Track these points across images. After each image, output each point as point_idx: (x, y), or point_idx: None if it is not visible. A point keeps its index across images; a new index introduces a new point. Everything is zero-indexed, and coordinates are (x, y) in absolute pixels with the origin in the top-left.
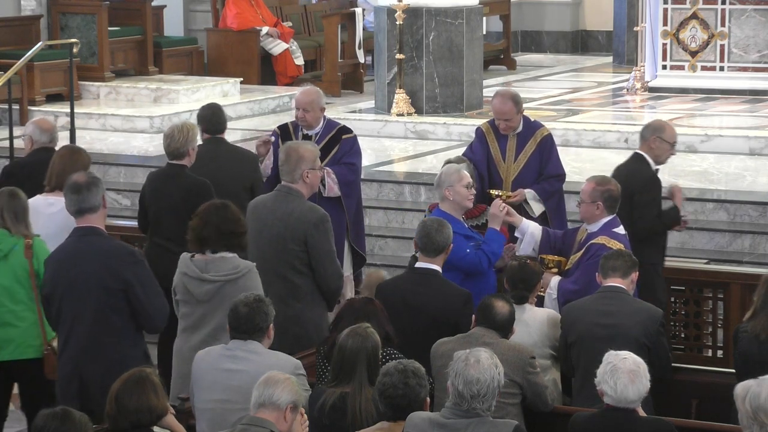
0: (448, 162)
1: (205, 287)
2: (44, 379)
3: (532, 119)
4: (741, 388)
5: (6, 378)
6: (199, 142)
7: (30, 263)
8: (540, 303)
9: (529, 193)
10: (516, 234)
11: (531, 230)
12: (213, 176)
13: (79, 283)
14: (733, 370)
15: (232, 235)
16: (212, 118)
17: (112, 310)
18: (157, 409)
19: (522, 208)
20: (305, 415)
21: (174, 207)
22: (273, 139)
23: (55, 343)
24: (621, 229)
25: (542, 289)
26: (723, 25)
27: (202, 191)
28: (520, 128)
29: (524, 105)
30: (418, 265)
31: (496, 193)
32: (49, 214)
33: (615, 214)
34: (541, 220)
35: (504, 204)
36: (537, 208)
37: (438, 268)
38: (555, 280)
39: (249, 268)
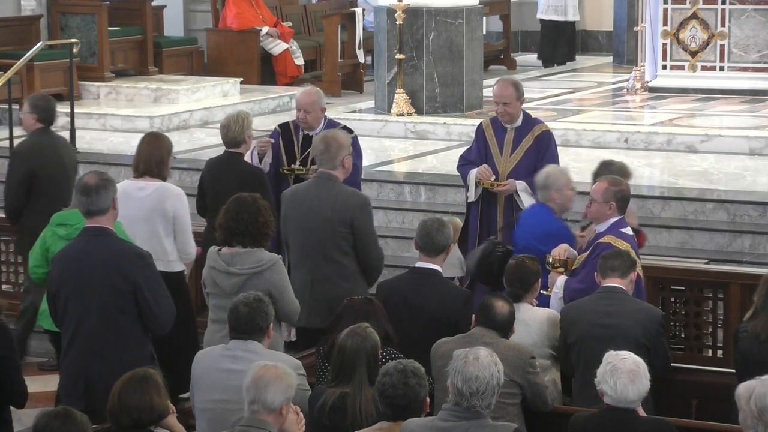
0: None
1: (233, 280)
2: None
3: (533, 117)
4: (744, 388)
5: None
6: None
7: None
8: (546, 302)
9: (520, 184)
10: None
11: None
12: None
13: (87, 282)
14: (733, 370)
15: (257, 228)
16: (50, 109)
17: (120, 311)
18: (158, 409)
19: (512, 200)
20: (300, 414)
21: (231, 192)
22: (273, 141)
23: None
24: (628, 230)
25: (549, 289)
26: (723, 25)
27: (258, 178)
28: (519, 122)
29: (524, 105)
30: (418, 264)
31: (488, 182)
32: (139, 198)
33: (624, 215)
34: None
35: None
36: (527, 201)
37: (438, 267)
38: (561, 279)
39: (274, 260)
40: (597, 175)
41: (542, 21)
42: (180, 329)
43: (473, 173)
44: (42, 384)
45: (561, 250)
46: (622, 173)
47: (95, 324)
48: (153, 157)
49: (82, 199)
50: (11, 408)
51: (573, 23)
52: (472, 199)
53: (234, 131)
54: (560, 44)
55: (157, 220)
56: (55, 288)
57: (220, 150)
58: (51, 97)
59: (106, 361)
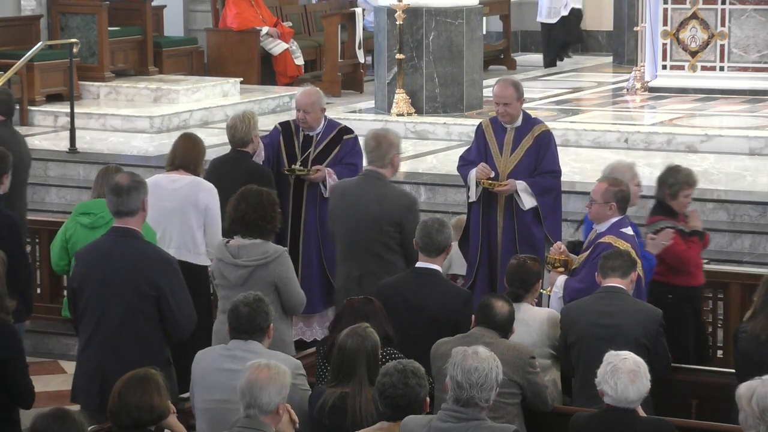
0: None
1: (239, 272)
2: None
3: (533, 117)
4: (745, 388)
5: None
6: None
7: None
8: (546, 302)
9: (520, 184)
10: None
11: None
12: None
13: (111, 283)
14: (733, 370)
15: (264, 221)
16: (10, 102)
17: (142, 315)
18: (158, 409)
19: (513, 200)
20: (292, 412)
21: (236, 190)
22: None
23: None
24: (629, 230)
25: (549, 289)
26: (723, 25)
27: (264, 176)
28: (519, 122)
29: (524, 105)
30: (418, 265)
31: (488, 182)
32: (172, 189)
33: (625, 215)
34: (533, 215)
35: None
36: (528, 201)
37: (438, 268)
38: (561, 279)
39: (279, 252)
40: (662, 180)
41: (543, 24)
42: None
43: (473, 173)
44: (43, 384)
45: (558, 249)
46: (688, 180)
47: (116, 325)
48: (190, 154)
49: (113, 199)
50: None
51: (577, 11)
52: (473, 199)
53: (241, 131)
54: (563, 41)
55: (190, 212)
56: (77, 284)
57: (221, 150)
58: (9, 90)
59: (124, 362)
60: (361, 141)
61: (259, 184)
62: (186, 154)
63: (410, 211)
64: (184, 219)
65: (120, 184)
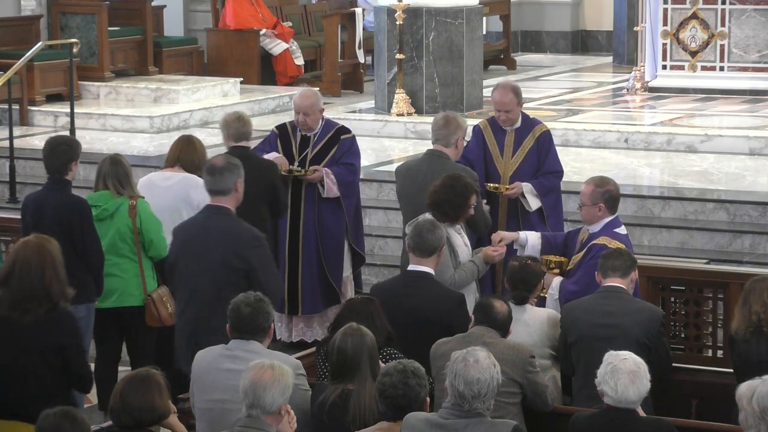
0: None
1: None
2: (146, 326)
3: (531, 117)
4: (746, 387)
5: (116, 324)
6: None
7: (134, 221)
8: (542, 304)
9: (526, 186)
10: (515, 247)
11: (531, 242)
12: None
13: (204, 256)
14: (733, 370)
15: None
16: None
17: (231, 287)
18: (159, 409)
19: (518, 203)
20: (291, 412)
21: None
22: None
23: (155, 295)
24: (622, 229)
25: (544, 290)
26: (723, 25)
27: (270, 169)
28: (519, 124)
29: (524, 105)
30: (410, 267)
31: (494, 185)
32: (164, 187)
33: (616, 215)
34: (538, 216)
35: (498, 246)
36: (534, 202)
37: (431, 270)
38: (557, 280)
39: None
40: None
41: None
42: None
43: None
44: None
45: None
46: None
47: (208, 296)
48: (188, 156)
49: (208, 179)
50: None
51: None
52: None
53: (235, 126)
54: None
55: (182, 209)
56: (174, 257)
57: (221, 150)
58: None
59: (215, 332)
60: (360, 141)
61: (266, 177)
62: (184, 156)
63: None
64: (177, 216)
65: (215, 164)
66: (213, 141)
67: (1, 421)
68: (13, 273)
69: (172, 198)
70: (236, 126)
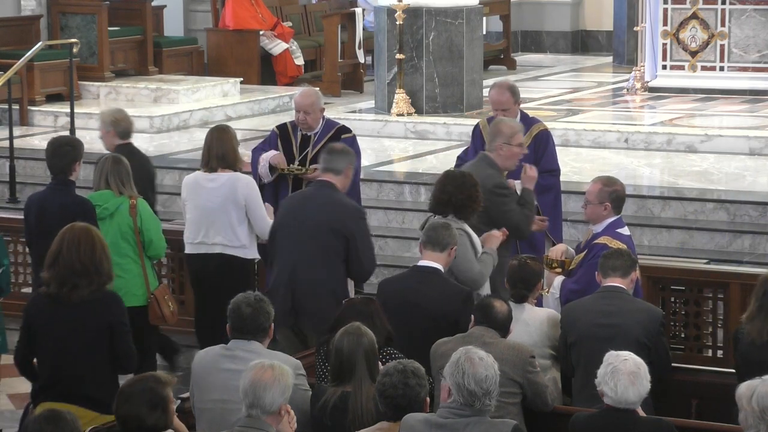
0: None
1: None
2: (150, 325)
3: (531, 116)
4: (746, 387)
5: None
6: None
7: (134, 221)
8: (541, 303)
9: (519, 184)
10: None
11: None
12: None
13: (305, 221)
14: (733, 370)
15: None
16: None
17: (333, 252)
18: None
19: None
20: (291, 412)
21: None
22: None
23: (157, 293)
24: (626, 230)
25: (546, 289)
26: (723, 25)
27: (150, 162)
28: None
29: (524, 105)
30: (420, 263)
31: None
32: (211, 188)
33: (620, 215)
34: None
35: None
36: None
37: (440, 267)
38: (558, 279)
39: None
40: None
41: None
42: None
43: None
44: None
45: (558, 251)
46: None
47: (309, 259)
48: (224, 149)
49: (325, 157)
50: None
51: None
52: None
53: (123, 125)
54: None
55: (231, 209)
56: (278, 223)
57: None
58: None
59: (315, 295)
60: (360, 141)
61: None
62: (219, 152)
63: (492, 194)
64: (226, 217)
65: (334, 147)
66: None
67: (66, 405)
68: (61, 252)
69: (221, 199)
70: (124, 125)
